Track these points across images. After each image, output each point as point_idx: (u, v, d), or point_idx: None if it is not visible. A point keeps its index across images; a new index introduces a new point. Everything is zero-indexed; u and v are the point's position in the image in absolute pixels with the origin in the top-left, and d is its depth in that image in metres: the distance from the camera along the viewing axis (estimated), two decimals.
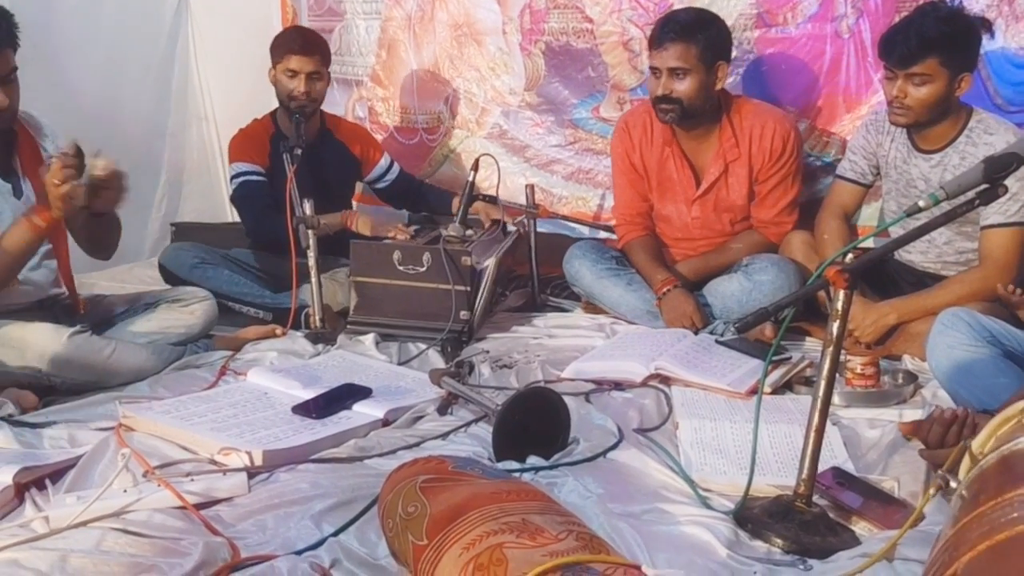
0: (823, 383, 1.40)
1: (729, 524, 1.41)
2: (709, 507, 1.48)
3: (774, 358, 2.03)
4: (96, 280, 2.85)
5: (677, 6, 2.71)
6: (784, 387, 2.05)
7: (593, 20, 2.96)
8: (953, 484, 1.06)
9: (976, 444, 1.08)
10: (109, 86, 3.18)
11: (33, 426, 1.84)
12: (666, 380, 2.07)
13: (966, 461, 1.09)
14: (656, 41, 2.42)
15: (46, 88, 2.60)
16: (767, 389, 1.94)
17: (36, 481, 1.55)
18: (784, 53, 2.71)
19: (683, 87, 2.40)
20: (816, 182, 2.69)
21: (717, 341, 2.25)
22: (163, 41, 3.42)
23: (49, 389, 2.03)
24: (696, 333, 2.34)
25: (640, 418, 1.88)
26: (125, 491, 1.47)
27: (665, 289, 2.46)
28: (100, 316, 2.30)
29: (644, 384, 2.06)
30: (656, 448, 1.71)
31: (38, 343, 2.00)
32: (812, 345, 2.34)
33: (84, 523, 1.40)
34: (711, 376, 2.03)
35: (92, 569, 1.29)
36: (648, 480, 1.60)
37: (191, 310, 2.35)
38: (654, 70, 2.44)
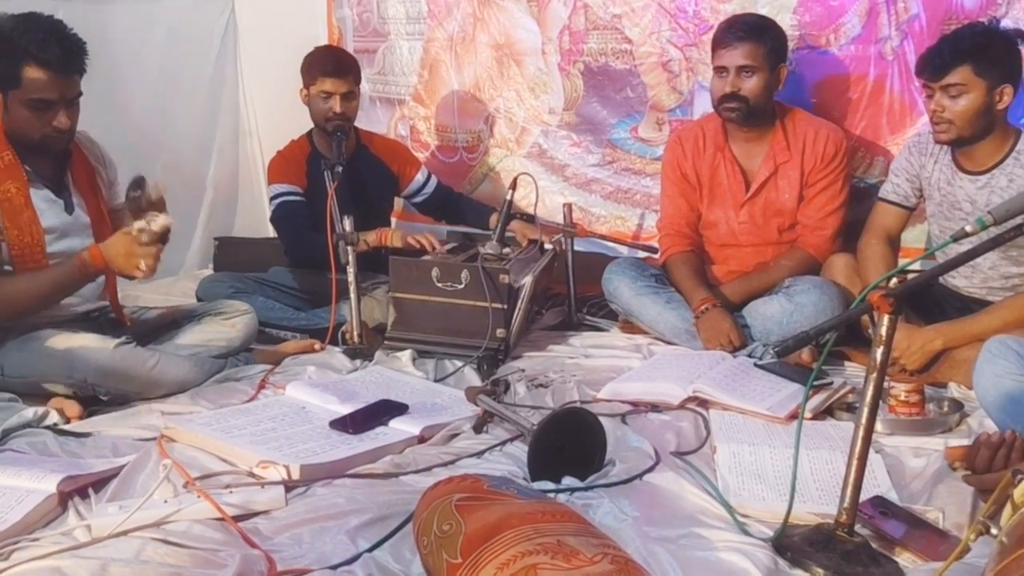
0: (866, 410, 1.37)
1: (768, 552, 1.39)
2: (747, 533, 1.46)
3: (815, 383, 2.00)
4: (141, 293, 2.92)
5: (714, 26, 2.71)
6: (825, 413, 2.02)
7: (632, 41, 2.97)
8: (994, 531, 1.05)
9: (1019, 493, 1.07)
10: (159, 103, 3.26)
11: (77, 435, 1.88)
12: (704, 403, 2.05)
13: (1008, 508, 1.08)
14: (724, 40, 2.46)
15: (98, 105, 2.67)
16: (808, 414, 1.91)
17: (79, 490, 1.59)
18: (827, 74, 2.70)
19: (750, 85, 2.44)
20: (859, 204, 2.65)
21: (756, 364, 2.23)
22: (212, 60, 3.51)
23: (93, 399, 2.07)
24: (734, 354, 2.32)
25: (677, 441, 1.87)
26: (166, 501, 1.49)
27: (704, 307, 2.44)
28: (144, 328, 2.35)
29: (681, 407, 2.04)
30: (693, 472, 1.69)
31: (84, 354, 2.04)
32: (853, 370, 2.30)
33: (125, 532, 1.42)
34: (750, 400, 2.01)
35: None
36: (685, 504, 1.58)
37: (232, 323, 2.39)
38: (720, 70, 2.47)
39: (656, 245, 2.84)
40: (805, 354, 2.27)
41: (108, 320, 2.30)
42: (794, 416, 1.90)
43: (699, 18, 2.85)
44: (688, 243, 2.66)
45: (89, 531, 1.44)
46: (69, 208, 2.17)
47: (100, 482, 1.63)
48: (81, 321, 2.22)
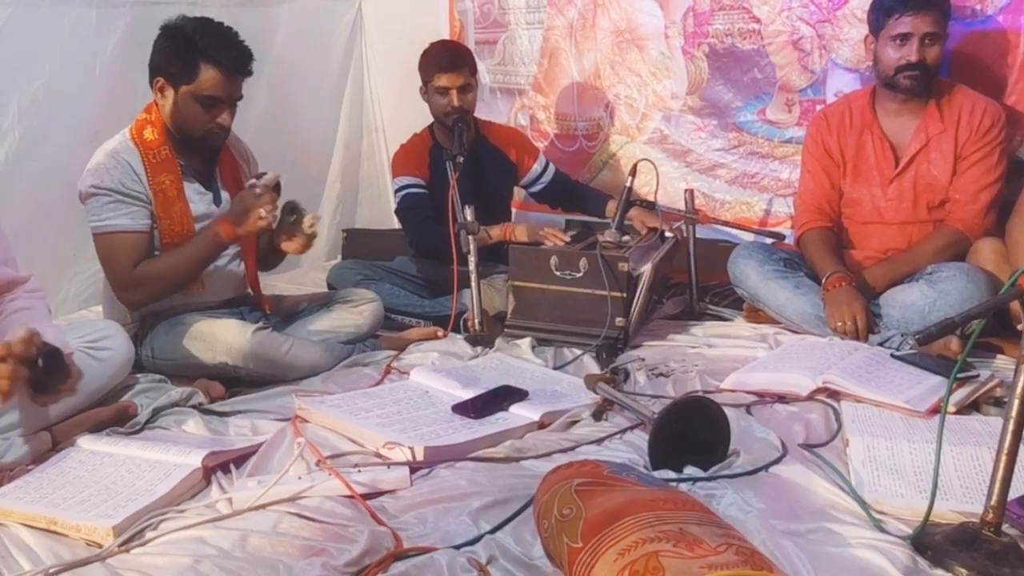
0: (1016, 403, 1.27)
1: (907, 550, 1.32)
2: (883, 530, 1.39)
3: (959, 375, 1.88)
4: (276, 282, 3.07)
5: (854, 4, 2.58)
6: (970, 407, 1.89)
7: (760, 20, 2.86)
8: None
9: None
10: (286, 99, 3.40)
11: (220, 415, 1.99)
12: (835, 395, 1.96)
13: None
14: (906, 6, 2.33)
15: None
16: (951, 408, 1.80)
17: (222, 465, 1.68)
18: (973, 46, 2.52)
19: (934, 53, 2.36)
20: (1007, 185, 2.46)
21: (894, 355, 2.11)
22: (338, 57, 3.63)
23: (235, 381, 2.19)
24: (860, 338, 2.20)
25: (806, 433, 1.79)
26: (300, 478, 1.56)
27: (836, 284, 2.33)
28: (280, 314, 2.47)
29: (810, 398, 1.96)
30: (824, 465, 1.62)
31: (225, 338, 2.17)
32: (1003, 363, 2.14)
33: (263, 506, 1.50)
34: (887, 392, 1.90)
35: (269, 549, 1.38)
36: (814, 498, 1.51)
37: (360, 310, 2.48)
38: (901, 37, 2.35)
39: (783, 232, 2.73)
40: (954, 344, 2.12)
41: (249, 307, 2.43)
42: (936, 410, 1.79)
43: None
44: (826, 219, 2.55)
45: (230, 504, 1.52)
46: (217, 200, 2.31)
47: (240, 458, 1.72)
48: (224, 308, 2.36)
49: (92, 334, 2.00)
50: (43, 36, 2.60)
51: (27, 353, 1.53)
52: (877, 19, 2.40)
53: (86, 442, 1.76)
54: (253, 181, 2.18)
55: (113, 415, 1.92)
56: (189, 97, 2.17)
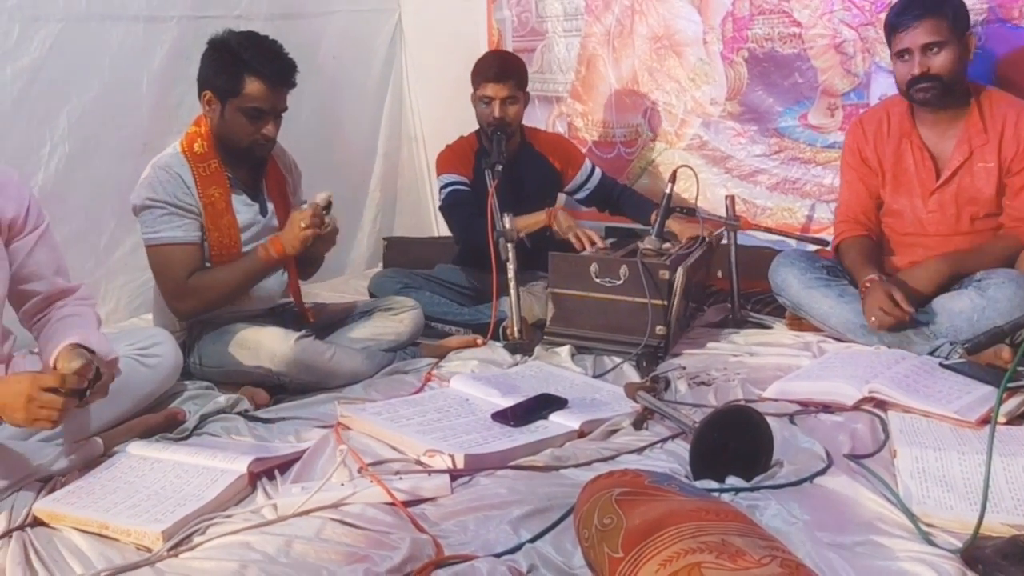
0: None
1: (956, 564, 1.29)
2: (932, 543, 1.36)
3: (1010, 385, 1.83)
4: (318, 290, 3.11)
5: (891, 2, 2.53)
6: (1020, 417, 1.84)
7: (801, 24, 2.83)
8: None
9: None
10: (328, 109, 3.45)
11: (265, 421, 2.03)
12: (881, 404, 1.93)
13: None
14: (900, 23, 2.30)
15: None
16: (1001, 419, 1.75)
17: (267, 471, 1.71)
18: (1019, 49, 2.46)
19: (939, 61, 2.28)
20: None
21: (942, 364, 2.06)
22: (379, 67, 3.67)
23: (279, 388, 2.23)
24: (903, 315, 2.17)
25: (852, 443, 1.76)
26: (342, 484, 1.58)
27: (868, 284, 2.30)
28: (322, 322, 2.50)
29: (856, 408, 1.93)
30: (870, 476, 1.59)
31: (270, 346, 2.21)
32: None
33: (307, 512, 1.51)
34: (935, 402, 1.86)
35: (313, 555, 1.39)
36: (861, 510, 1.49)
37: (400, 318, 2.50)
38: (902, 53, 2.31)
39: (827, 238, 2.69)
40: (1005, 352, 2.06)
41: (292, 315, 2.47)
42: (986, 420, 1.75)
43: None
44: (863, 228, 2.51)
45: (275, 510, 1.54)
46: (263, 211, 2.36)
47: (285, 464, 1.74)
48: (268, 316, 2.40)
49: (142, 341, 2.05)
50: (93, 51, 2.68)
51: (79, 385, 1.57)
52: (886, 39, 2.37)
53: (136, 448, 1.80)
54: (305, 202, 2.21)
55: (163, 421, 1.97)
56: (235, 109, 2.21)
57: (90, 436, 1.79)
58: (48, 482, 1.67)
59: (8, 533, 1.49)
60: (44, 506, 1.56)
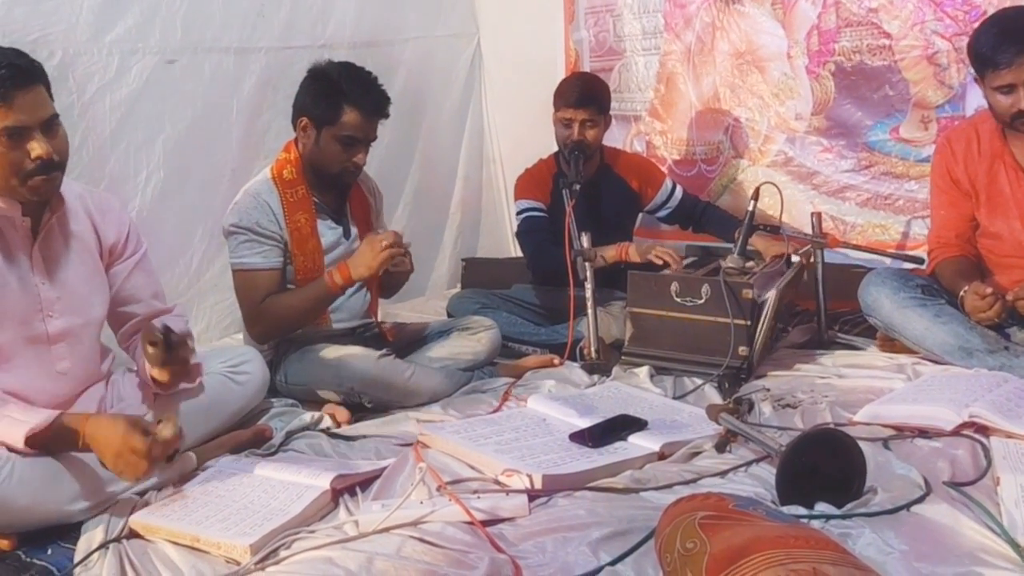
0: None
1: None
2: None
3: None
4: (399, 311, 3.16)
5: (989, 12, 2.42)
6: None
7: (891, 35, 2.74)
8: None
9: None
10: (409, 133, 3.51)
11: (346, 439, 2.05)
12: (983, 429, 1.82)
13: None
14: (1001, 60, 2.13)
15: None
16: None
17: (348, 488, 1.73)
18: None
19: None
20: None
21: None
22: (458, 90, 3.73)
23: (359, 406, 2.26)
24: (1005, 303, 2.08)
25: (951, 470, 1.67)
26: (421, 503, 1.58)
27: (965, 290, 2.20)
28: (401, 342, 2.54)
29: (956, 433, 1.83)
30: (972, 505, 1.50)
31: (352, 364, 2.24)
32: None
33: (387, 529, 1.52)
34: None
35: (393, 572, 1.39)
36: (962, 540, 1.41)
37: (478, 338, 2.51)
38: (1006, 88, 2.16)
39: (922, 255, 2.58)
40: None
41: (373, 335, 2.51)
42: None
43: (969, 4, 2.57)
44: (958, 249, 2.39)
45: (356, 526, 1.56)
46: (347, 235, 2.42)
47: (366, 481, 1.76)
48: (349, 336, 2.44)
49: (233, 359, 2.11)
50: (185, 83, 2.80)
51: (164, 455, 1.62)
52: (977, 68, 2.22)
53: (226, 463, 1.86)
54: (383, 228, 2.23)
55: (251, 437, 2.02)
56: (330, 137, 2.27)
57: (185, 451, 1.85)
58: (144, 495, 1.73)
59: (105, 545, 1.55)
60: (140, 518, 1.62)
